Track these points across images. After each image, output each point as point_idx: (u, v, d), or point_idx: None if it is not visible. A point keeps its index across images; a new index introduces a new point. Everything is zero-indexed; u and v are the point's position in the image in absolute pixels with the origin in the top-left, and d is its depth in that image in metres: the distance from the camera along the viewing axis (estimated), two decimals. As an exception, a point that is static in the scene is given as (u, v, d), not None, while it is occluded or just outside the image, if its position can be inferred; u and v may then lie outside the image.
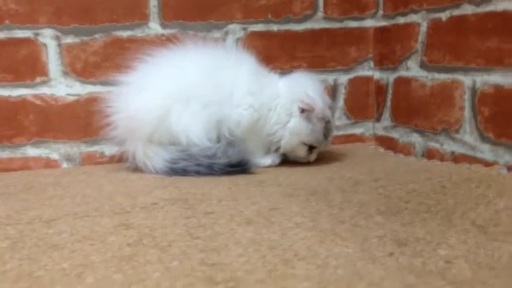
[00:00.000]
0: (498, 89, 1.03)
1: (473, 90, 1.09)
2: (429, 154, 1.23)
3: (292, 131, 1.19)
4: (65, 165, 1.33)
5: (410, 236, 0.71)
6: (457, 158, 1.14)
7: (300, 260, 0.64)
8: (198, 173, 1.11)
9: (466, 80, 1.11)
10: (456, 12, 1.14)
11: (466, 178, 0.97)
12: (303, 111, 1.18)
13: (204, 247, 0.69)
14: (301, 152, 1.22)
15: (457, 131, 1.14)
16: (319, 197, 0.92)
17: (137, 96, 1.15)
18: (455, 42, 1.14)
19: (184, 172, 1.12)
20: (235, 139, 1.17)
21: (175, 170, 1.12)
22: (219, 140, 1.16)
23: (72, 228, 0.79)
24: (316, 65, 1.44)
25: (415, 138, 1.29)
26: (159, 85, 1.16)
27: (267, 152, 1.24)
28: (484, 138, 1.06)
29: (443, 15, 1.17)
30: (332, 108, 1.29)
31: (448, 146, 1.17)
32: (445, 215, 0.79)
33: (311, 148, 1.22)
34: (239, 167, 1.12)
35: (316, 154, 1.23)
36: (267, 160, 1.23)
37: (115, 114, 1.17)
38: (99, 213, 0.86)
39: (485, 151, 1.06)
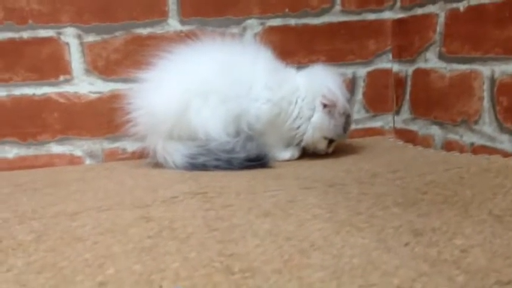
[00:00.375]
0: (517, 78, 1.02)
1: (492, 80, 1.08)
2: (448, 146, 1.23)
3: (315, 126, 1.20)
4: (88, 161, 1.36)
5: (427, 227, 0.72)
6: (476, 149, 1.13)
7: (315, 250, 0.65)
8: (217, 168, 1.13)
9: (485, 70, 1.10)
10: (474, 1, 1.13)
11: (484, 169, 0.96)
12: (325, 106, 1.19)
13: (222, 238, 0.71)
14: (322, 146, 1.23)
15: (476, 122, 1.14)
16: (336, 189, 0.93)
17: (156, 92, 1.18)
18: (473, 32, 1.13)
19: (203, 167, 1.14)
20: (254, 133, 1.18)
21: (195, 165, 1.14)
22: (237, 135, 1.17)
23: (94, 221, 0.81)
24: (334, 58, 1.44)
25: (434, 130, 1.29)
26: (177, 81, 1.18)
27: (287, 145, 1.25)
28: (503, 129, 1.06)
29: (461, 5, 1.17)
30: (350, 102, 1.30)
31: (468, 138, 1.16)
32: (462, 205, 0.79)
33: (330, 141, 1.23)
34: (258, 161, 1.14)
35: (334, 146, 1.24)
36: (287, 154, 1.24)
37: (135, 111, 1.19)
38: (120, 206, 0.89)
39: (505, 141, 1.05)
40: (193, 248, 0.68)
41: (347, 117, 1.21)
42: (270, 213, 0.81)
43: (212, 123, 1.16)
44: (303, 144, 1.24)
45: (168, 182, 1.06)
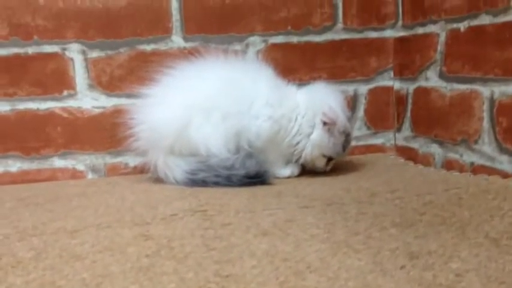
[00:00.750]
0: (516, 99, 1.02)
1: (492, 100, 1.09)
2: (448, 165, 1.23)
3: (314, 143, 1.21)
4: (90, 176, 1.37)
5: (423, 249, 0.72)
6: (476, 169, 1.14)
7: (311, 272, 0.66)
8: (217, 184, 1.14)
9: (485, 90, 1.11)
10: (474, 22, 1.14)
11: (483, 190, 0.97)
12: (325, 124, 1.20)
13: (219, 258, 0.72)
14: (320, 163, 1.24)
15: (476, 142, 1.14)
16: (335, 209, 0.93)
17: (158, 108, 1.19)
18: (474, 52, 1.14)
19: (203, 183, 1.14)
20: (254, 150, 1.19)
21: (195, 181, 1.15)
22: (237, 151, 1.18)
23: (94, 239, 0.82)
24: (336, 75, 1.45)
25: (435, 149, 1.29)
26: (179, 97, 1.19)
27: (287, 162, 1.26)
28: (502, 149, 1.06)
29: (462, 26, 1.18)
30: (351, 120, 1.30)
31: (468, 157, 1.17)
32: (460, 227, 0.80)
33: (329, 159, 1.23)
34: (257, 178, 1.14)
35: (332, 164, 1.25)
36: (287, 171, 1.25)
37: (137, 126, 1.20)
38: (120, 224, 0.89)
39: (504, 162, 1.06)
40: (190, 268, 0.68)
41: (347, 136, 1.22)
42: (268, 233, 0.81)
43: (213, 139, 1.17)
44: (301, 161, 1.24)
45: (169, 198, 1.07)
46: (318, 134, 1.21)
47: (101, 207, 1.02)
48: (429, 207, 0.90)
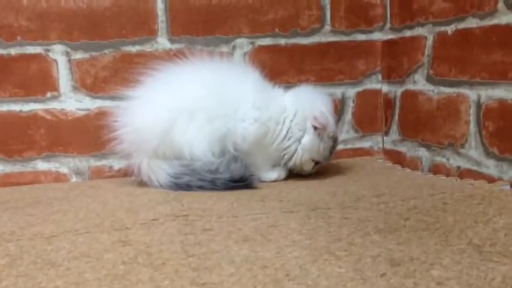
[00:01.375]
0: (502, 103, 1.02)
1: (478, 104, 1.08)
2: (435, 169, 1.22)
3: (305, 148, 1.20)
4: (74, 179, 1.35)
5: (405, 256, 0.71)
6: (462, 173, 1.13)
7: (290, 280, 0.64)
8: (201, 188, 1.12)
9: (471, 94, 1.10)
10: (461, 25, 1.13)
11: (468, 195, 0.96)
12: (315, 128, 1.19)
13: (197, 266, 0.70)
14: (308, 167, 1.23)
15: (462, 146, 1.13)
16: (319, 214, 0.92)
17: (142, 110, 1.17)
18: (461, 55, 1.13)
19: (187, 187, 1.13)
20: (239, 154, 1.17)
21: (179, 185, 1.13)
22: (223, 155, 1.16)
23: (71, 244, 0.80)
24: (324, 78, 1.44)
25: (422, 153, 1.28)
26: (163, 99, 1.17)
27: (273, 166, 1.24)
28: (488, 154, 1.05)
29: (449, 29, 1.17)
30: (337, 124, 1.30)
31: (454, 161, 1.16)
32: (443, 233, 0.79)
33: (316, 163, 1.22)
34: (242, 182, 1.13)
35: (317, 167, 1.24)
36: (273, 174, 1.23)
37: (121, 128, 1.18)
38: (99, 229, 0.88)
39: (490, 166, 1.05)
40: (166, 276, 0.67)
41: (334, 141, 1.22)
42: (249, 239, 0.80)
43: (197, 142, 1.15)
44: (290, 164, 1.23)
45: (151, 202, 1.05)
46: (309, 138, 1.19)
47: (81, 212, 1.00)
48: (413, 213, 0.89)
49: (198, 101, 1.17)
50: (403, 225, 0.83)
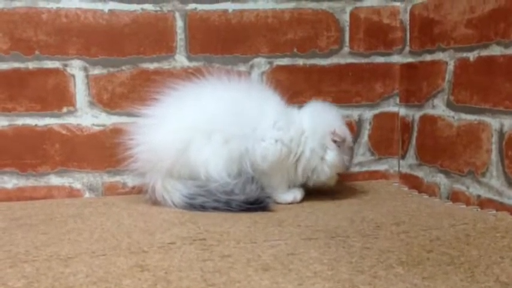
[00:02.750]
0: (527, 134, 1.00)
1: (501, 133, 1.06)
2: (454, 196, 1.20)
3: (331, 164, 1.20)
4: (87, 195, 1.34)
5: (431, 291, 0.69)
6: (483, 203, 1.11)
7: (315, 315, 0.63)
8: (216, 209, 1.11)
9: (494, 122, 1.09)
10: (484, 52, 1.12)
11: (491, 227, 0.94)
12: (335, 142, 1.19)
13: (218, 296, 0.68)
14: (333, 182, 1.25)
15: (483, 174, 1.11)
16: (338, 242, 0.90)
17: (158, 129, 1.16)
18: (483, 83, 1.12)
19: (202, 208, 1.12)
20: (256, 174, 1.16)
21: (194, 206, 1.12)
22: (239, 175, 1.15)
23: (88, 268, 0.79)
24: (341, 99, 1.43)
25: (440, 179, 1.26)
26: (180, 119, 1.17)
27: (289, 187, 1.23)
28: (511, 184, 1.04)
29: (471, 55, 1.15)
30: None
31: (474, 189, 1.14)
32: (468, 268, 0.77)
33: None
34: (257, 205, 1.12)
35: None
36: (289, 197, 1.22)
37: (137, 146, 1.18)
38: (116, 251, 0.86)
39: (513, 197, 1.03)
40: (187, 306, 0.65)
41: (352, 150, 1.26)
42: (269, 268, 0.78)
43: (213, 163, 1.14)
44: (317, 182, 1.22)
45: (167, 223, 1.04)
46: (333, 154, 1.20)
47: (96, 231, 0.99)
48: (436, 244, 0.87)
49: (214, 121, 1.16)
50: (427, 258, 0.81)
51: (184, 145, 1.14)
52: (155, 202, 1.18)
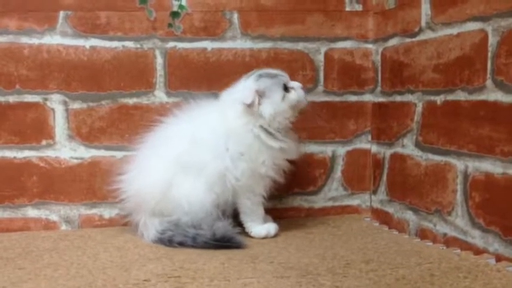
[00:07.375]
0: (489, 176, 1.05)
1: (466, 174, 1.12)
2: (422, 233, 1.25)
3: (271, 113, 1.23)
4: (63, 227, 1.35)
5: (395, 332, 0.72)
6: (449, 241, 1.15)
7: None
8: (182, 245, 1.14)
9: (459, 164, 1.14)
10: (450, 97, 1.17)
11: (455, 266, 0.98)
12: (248, 106, 1.21)
13: (191, 336, 0.71)
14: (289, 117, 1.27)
15: (449, 213, 1.16)
16: (309, 280, 0.93)
17: (139, 174, 1.22)
18: (449, 126, 1.17)
19: (169, 243, 1.15)
20: (239, 188, 1.21)
21: (162, 240, 1.16)
22: (224, 195, 1.20)
23: (64, 306, 0.81)
24: (316, 136, 1.48)
25: (409, 216, 1.31)
26: (156, 160, 1.21)
27: (263, 220, 1.26)
28: (474, 224, 1.08)
29: (438, 99, 1.21)
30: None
31: (441, 228, 1.19)
32: (431, 308, 0.81)
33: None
34: (223, 242, 1.14)
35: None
36: (263, 231, 1.25)
37: (122, 189, 1.24)
38: (92, 289, 0.88)
39: (476, 237, 1.07)
40: None
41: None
42: (241, 307, 0.81)
43: (194, 194, 1.18)
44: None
45: (142, 258, 1.06)
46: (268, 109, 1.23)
47: (72, 267, 1.00)
48: (402, 284, 0.91)
49: (184, 155, 1.19)
50: (392, 298, 0.85)
51: (166, 185, 1.19)
52: (133, 235, 1.22)
